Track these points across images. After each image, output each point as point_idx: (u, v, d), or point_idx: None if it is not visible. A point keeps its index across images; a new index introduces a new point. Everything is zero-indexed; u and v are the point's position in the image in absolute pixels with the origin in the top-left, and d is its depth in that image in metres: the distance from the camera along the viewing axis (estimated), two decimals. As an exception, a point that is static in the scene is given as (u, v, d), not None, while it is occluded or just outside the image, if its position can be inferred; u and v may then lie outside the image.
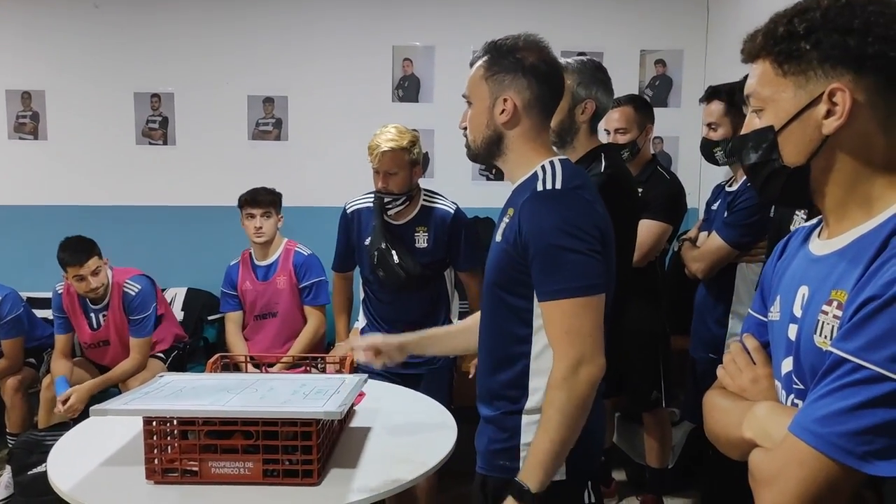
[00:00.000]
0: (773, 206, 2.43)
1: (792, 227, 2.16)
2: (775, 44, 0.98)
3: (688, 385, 3.00)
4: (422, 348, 2.04)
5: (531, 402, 1.54)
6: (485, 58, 1.60)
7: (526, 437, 1.54)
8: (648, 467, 3.29)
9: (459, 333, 1.97)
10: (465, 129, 1.67)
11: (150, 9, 4.24)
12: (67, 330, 3.53)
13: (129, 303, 3.45)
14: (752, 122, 1.05)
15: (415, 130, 2.88)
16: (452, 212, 2.92)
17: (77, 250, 3.28)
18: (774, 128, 1.00)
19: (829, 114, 0.95)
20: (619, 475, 3.55)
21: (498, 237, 1.59)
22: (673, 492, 3.41)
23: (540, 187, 1.50)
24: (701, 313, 2.84)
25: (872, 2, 0.94)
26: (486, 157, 1.64)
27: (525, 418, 1.55)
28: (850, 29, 0.93)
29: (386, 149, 2.73)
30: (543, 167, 1.54)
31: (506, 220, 1.57)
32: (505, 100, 1.55)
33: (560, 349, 1.45)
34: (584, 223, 1.46)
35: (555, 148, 1.68)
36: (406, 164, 2.77)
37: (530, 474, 1.46)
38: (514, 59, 1.56)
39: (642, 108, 3.10)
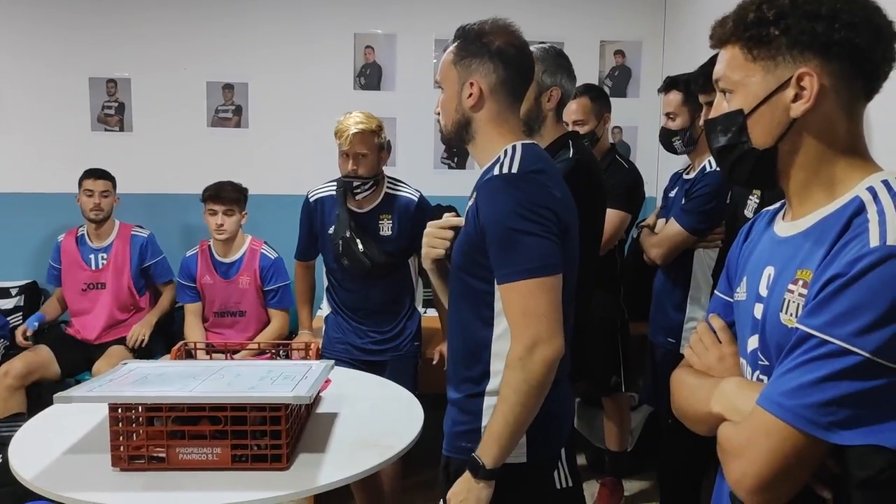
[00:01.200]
0: (730, 192, 2.49)
1: (746, 211, 2.22)
2: (745, 29, 1.02)
3: (647, 370, 3.06)
4: None
5: (492, 385, 1.56)
6: (455, 43, 1.63)
7: (487, 419, 1.56)
8: (608, 451, 3.35)
9: None
10: (439, 114, 1.68)
11: (106, -8, 4.16)
12: (58, 283, 3.80)
13: (142, 245, 3.78)
14: (720, 106, 1.08)
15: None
16: (416, 199, 2.93)
17: (97, 170, 3.71)
18: (744, 111, 1.04)
19: (796, 97, 0.99)
20: (579, 459, 3.59)
21: (463, 221, 1.61)
22: (632, 474, 3.49)
23: (496, 171, 1.53)
24: (660, 299, 2.89)
25: None
26: (457, 141, 1.66)
27: (487, 400, 1.57)
28: (817, 15, 0.97)
29: (356, 130, 2.73)
30: (506, 151, 1.56)
31: (469, 203, 1.59)
32: (471, 83, 1.58)
33: (516, 330, 1.48)
34: (539, 206, 1.48)
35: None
36: (375, 146, 2.78)
37: (485, 451, 1.50)
38: (480, 43, 1.58)
39: (598, 97, 3.13)
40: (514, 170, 1.52)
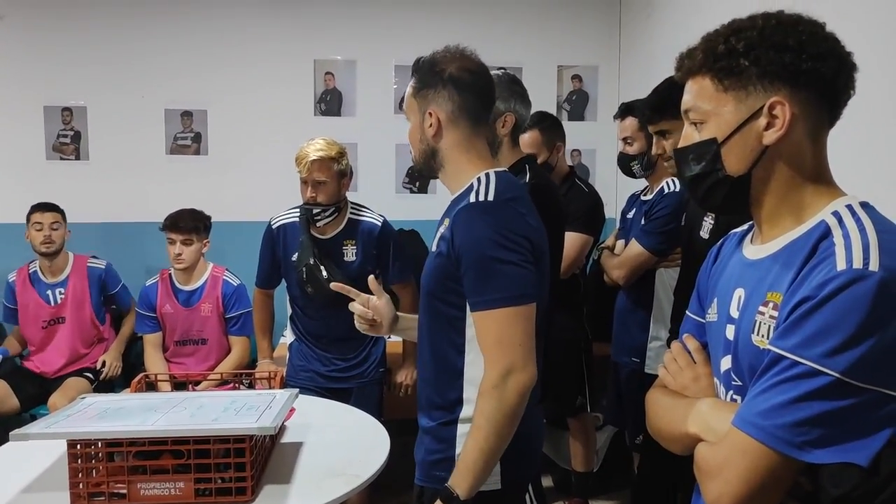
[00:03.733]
0: (684, 215, 2.52)
1: (701, 233, 2.25)
2: (715, 60, 1.04)
3: (610, 390, 3.07)
4: (404, 332, 1.92)
5: (465, 412, 1.55)
6: (414, 76, 1.65)
7: (461, 446, 1.54)
8: (574, 471, 3.35)
9: None
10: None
11: (60, 18, 4.10)
12: (15, 321, 3.71)
13: (101, 277, 3.71)
14: (691, 136, 1.10)
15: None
16: (380, 224, 2.92)
17: (45, 203, 3.62)
18: (718, 140, 1.06)
19: (769, 126, 1.02)
20: (545, 481, 3.59)
21: (433, 247, 1.61)
22: (598, 495, 3.48)
23: (473, 199, 1.52)
24: (623, 319, 2.90)
25: (800, 21, 1.02)
26: (428, 170, 1.67)
27: (460, 428, 1.56)
28: (785, 47, 1.00)
29: (315, 157, 2.72)
30: (479, 178, 1.56)
31: (441, 230, 1.59)
32: (429, 113, 1.60)
33: (491, 358, 1.47)
34: (516, 234, 1.49)
35: None
36: (334, 174, 2.76)
37: (459, 481, 1.47)
38: (434, 72, 1.60)
39: (548, 128, 3.13)
40: (490, 197, 1.52)
